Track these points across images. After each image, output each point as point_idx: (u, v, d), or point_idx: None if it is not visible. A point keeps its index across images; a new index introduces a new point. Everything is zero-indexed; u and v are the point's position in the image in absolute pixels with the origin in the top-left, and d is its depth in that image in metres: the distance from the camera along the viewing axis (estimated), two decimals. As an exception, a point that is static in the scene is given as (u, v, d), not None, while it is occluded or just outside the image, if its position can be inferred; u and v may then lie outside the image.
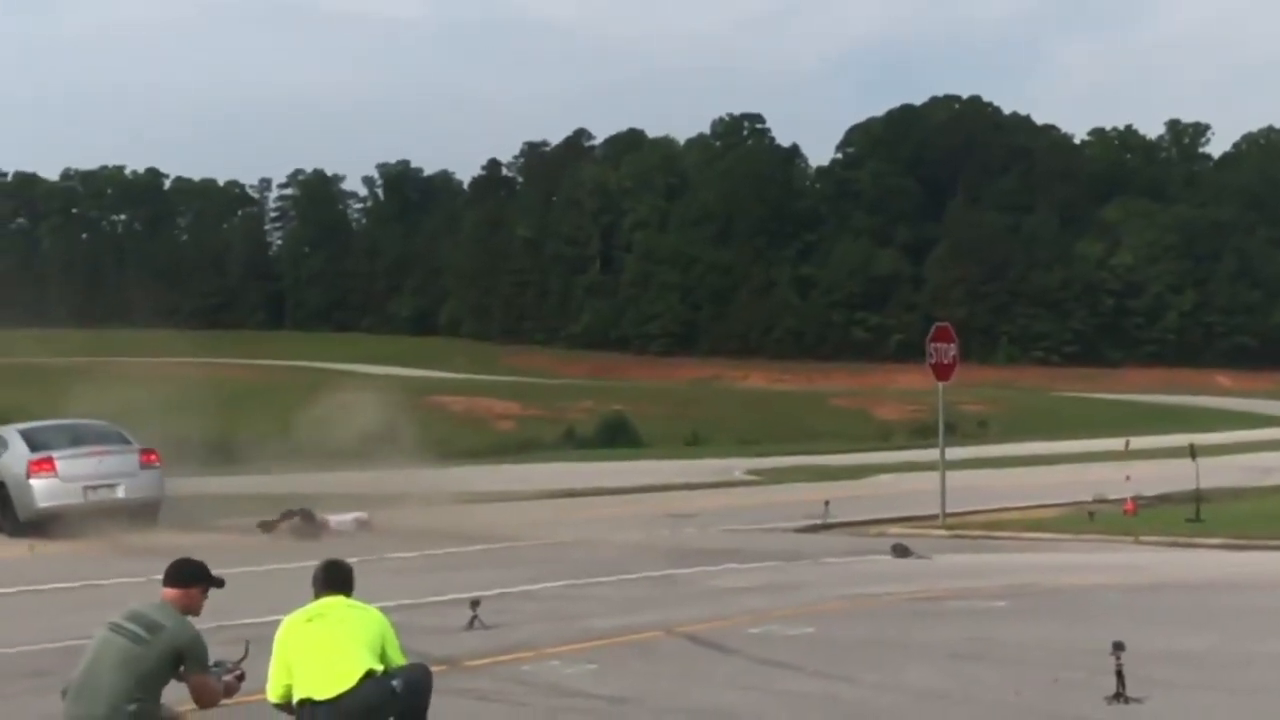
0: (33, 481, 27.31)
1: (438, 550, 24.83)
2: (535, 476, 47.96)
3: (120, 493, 27.76)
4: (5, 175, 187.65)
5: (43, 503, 27.25)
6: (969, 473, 42.04)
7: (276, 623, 9.33)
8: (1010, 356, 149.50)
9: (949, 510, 29.25)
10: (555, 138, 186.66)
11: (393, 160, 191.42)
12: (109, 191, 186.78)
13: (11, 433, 28.95)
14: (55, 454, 27.76)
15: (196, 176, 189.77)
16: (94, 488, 27.49)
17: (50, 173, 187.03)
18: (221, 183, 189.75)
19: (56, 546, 26.13)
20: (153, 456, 28.64)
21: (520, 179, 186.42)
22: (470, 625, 15.37)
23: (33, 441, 28.36)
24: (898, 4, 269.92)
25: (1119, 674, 11.01)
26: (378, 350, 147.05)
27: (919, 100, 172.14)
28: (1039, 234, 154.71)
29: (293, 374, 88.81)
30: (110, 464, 27.97)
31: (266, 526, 28.04)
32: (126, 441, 29.06)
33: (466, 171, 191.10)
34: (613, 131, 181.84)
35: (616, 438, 78.16)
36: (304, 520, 27.94)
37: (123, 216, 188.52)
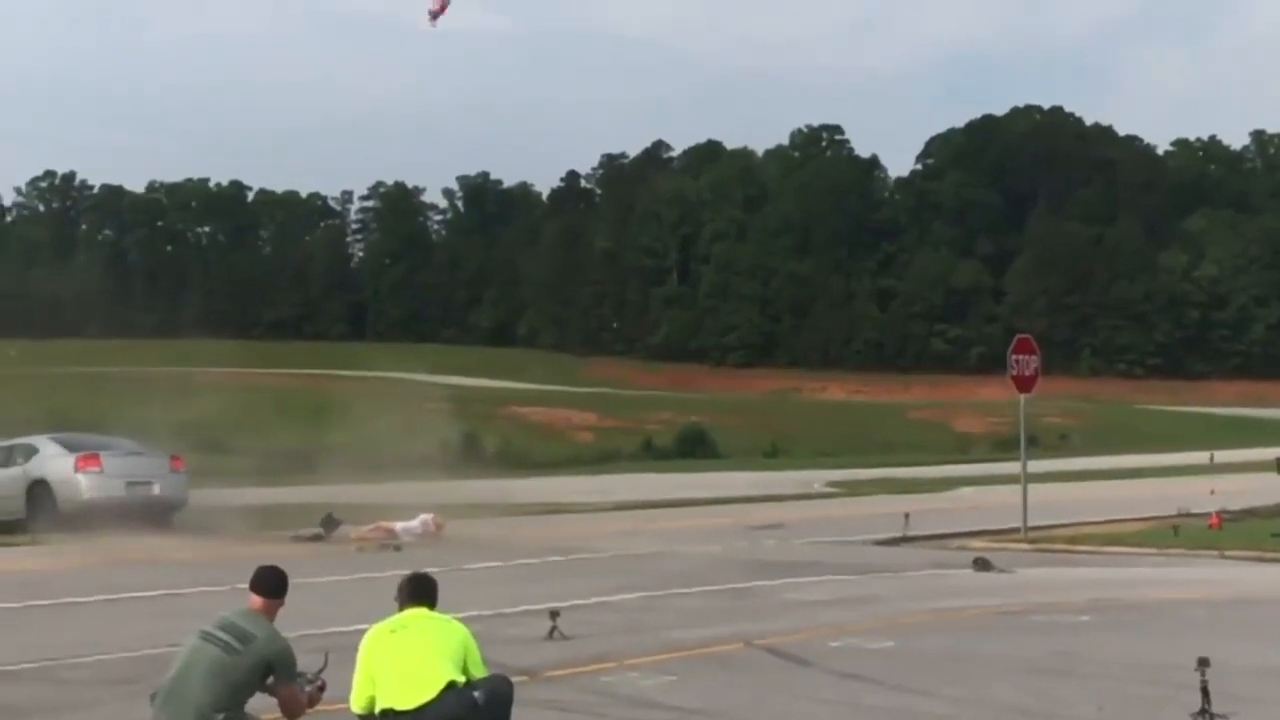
0: (80, 476, 29.55)
1: (517, 561, 24.89)
2: (614, 487, 48.03)
3: (156, 490, 30.29)
4: (92, 188, 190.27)
5: (89, 495, 29.45)
6: (1051, 486, 41.69)
7: (355, 632, 9.39)
8: (1093, 369, 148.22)
9: (1031, 524, 28.99)
10: (634, 149, 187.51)
11: (473, 172, 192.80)
12: (194, 204, 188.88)
13: (41, 440, 31.20)
14: (102, 453, 30.17)
15: (279, 189, 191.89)
16: (134, 484, 29.91)
17: (136, 185, 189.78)
18: (304, 195, 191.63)
19: (140, 555, 26.42)
20: (179, 462, 31.22)
21: (599, 191, 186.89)
22: (550, 636, 15.39)
23: (68, 445, 30.79)
24: (978, 14, 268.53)
25: (1204, 690, 10.87)
26: (457, 361, 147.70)
27: (1000, 111, 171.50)
28: (1122, 245, 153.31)
29: (373, 385, 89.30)
30: (146, 465, 30.53)
31: (320, 534, 28.75)
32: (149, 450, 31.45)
33: (545, 183, 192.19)
34: (691, 143, 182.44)
35: (695, 449, 78.22)
36: (324, 526, 28.69)
37: (207, 228, 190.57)
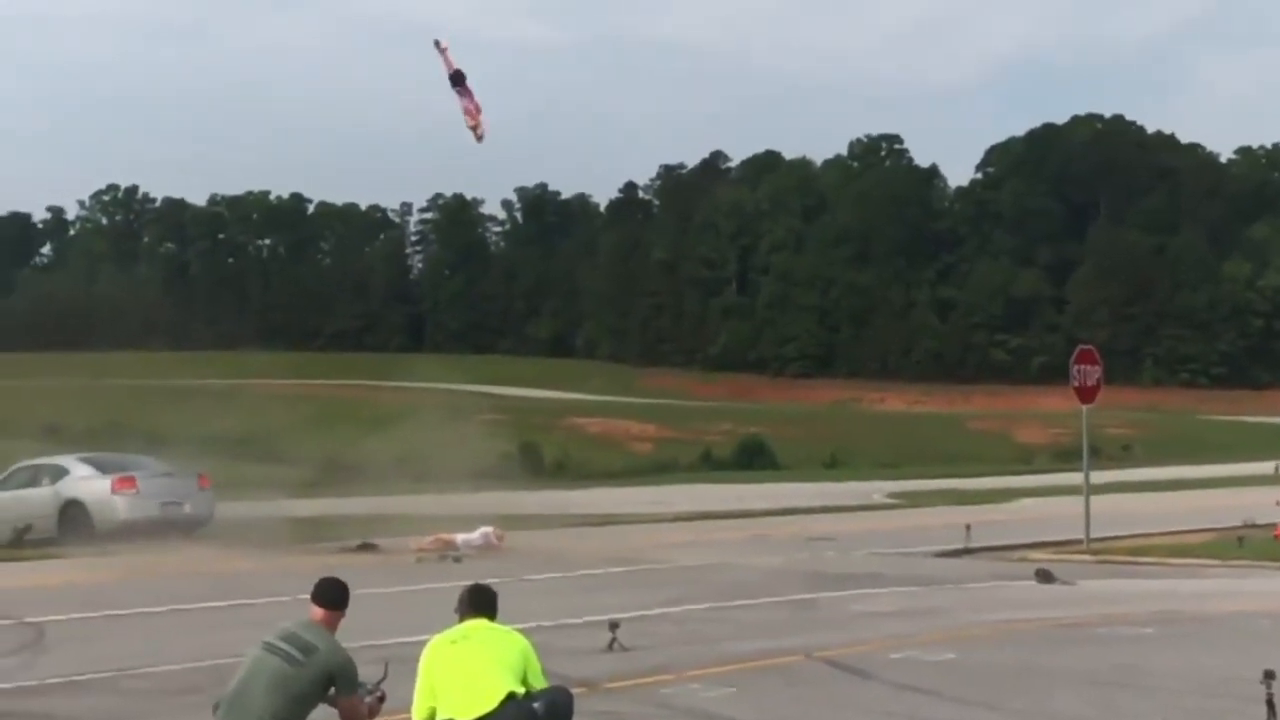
0: (117, 497, 30.37)
1: (576, 572, 24.91)
2: (672, 498, 48.00)
3: (187, 509, 31.15)
4: (154, 201, 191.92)
5: (125, 515, 30.29)
6: (1114, 497, 41.38)
7: (415, 643, 9.42)
8: (1155, 379, 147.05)
9: (1093, 535, 28.77)
10: (692, 160, 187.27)
11: (531, 184, 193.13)
12: (254, 216, 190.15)
13: (70, 460, 32.04)
14: (136, 474, 31.00)
15: (339, 201, 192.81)
16: (168, 504, 30.76)
17: (198, 198, 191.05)
18: (363, 207, 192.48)
19: (202, 567, 26.62)
20: (206, 480, 31.96)
21: (657, 201, 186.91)
22: (610, 647, 15.39)
23: (98, 465, 31.61)
24: (1038, 21, 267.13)
25: (1269, 703, 10.76)
26: (516, 372, 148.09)
27: (1060, 119, 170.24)
28: (1184, 254, 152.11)
29: (431, 396, 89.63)
30: (177, 485, 31.38)
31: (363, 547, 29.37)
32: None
33: (603, 194, 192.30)
34: (749, 153, 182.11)
35: (754, 460, 78.01)
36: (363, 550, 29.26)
37: (267, 241, 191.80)
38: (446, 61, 25.65)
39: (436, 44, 25.74)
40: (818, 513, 41.40)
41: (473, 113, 25.67)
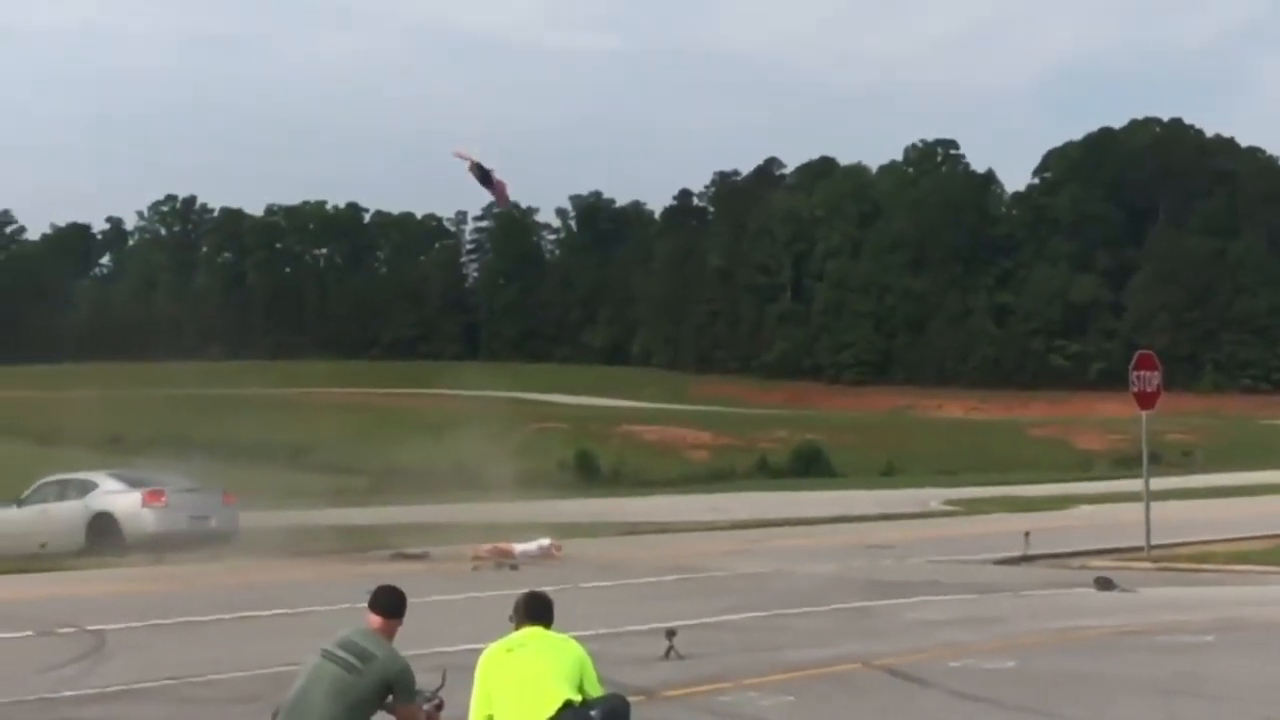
0: (147, 510, 31.14)
1: (632, 580, 24.91)
2: (729, 506, 47.96)
3: (213, 523, 31.78)
4: (212, 212, 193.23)
5: (155, 529, 31.01)
6: (1174, 504, 41.01)
7: (471, 651, 9.43)
8: (1216, 384, 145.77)
9: (1154, 542, 28.56)
10: (746, 167, 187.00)
11: (585, 192, 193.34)
12: (311, 226, 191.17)
13: (99, 475, 32.77)
14: (165, 489, 31.81)
15: (395, 210, 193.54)
16: (195, 518, 31.53)
17: (255, 209, 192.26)
18: (419, 216, 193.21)
19: (259, 575, 26.77)
20: (230, 497, 32.86)
21: (711, 209, 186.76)
22: (667, 655, 15.37)
23: (127, 480, 32.45)
24: (1095, 25, 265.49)
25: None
26: (571, 380, 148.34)
27: (1118, 123, 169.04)
28: (1245, 259, 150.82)
29: (488, 404, 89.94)
30: (203, 500, 32.16)
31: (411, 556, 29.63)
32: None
33: (658, 202, 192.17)
34: (804, 160, 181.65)
35: (810, 467, 77.83)
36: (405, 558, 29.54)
37: (324, 250, 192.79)
38: (472, 166, 26.45)
39: (457, 155, 26.61)
40: (875, 520, 41.27)
41: (504, 197, 26.53)
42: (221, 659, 16.13)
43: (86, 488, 31.96)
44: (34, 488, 32.75)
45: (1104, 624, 18.34)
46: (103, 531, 30.89)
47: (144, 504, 31.12)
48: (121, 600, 22.63)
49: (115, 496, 31.48)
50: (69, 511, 31.43)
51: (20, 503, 32.43)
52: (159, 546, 30.25)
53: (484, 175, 25.89)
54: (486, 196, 29.37)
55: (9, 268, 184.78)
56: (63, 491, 32.18)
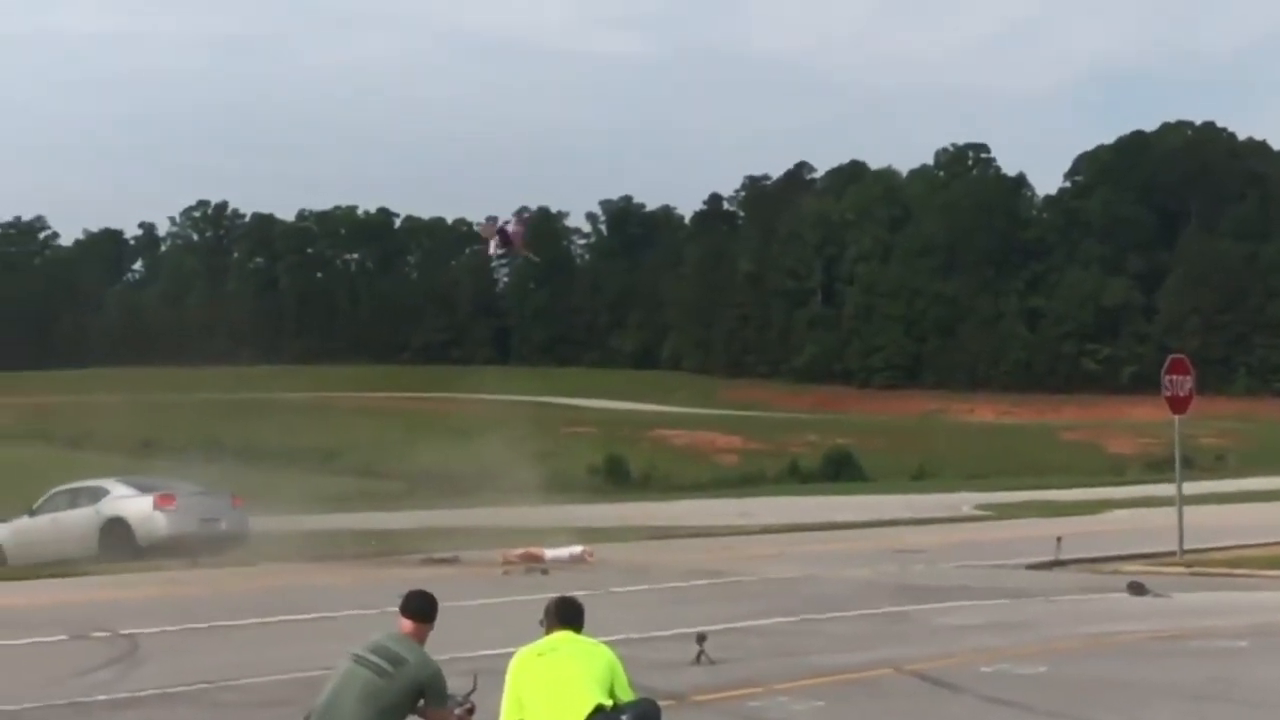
0: (159, 513, 31.48)
1: (663, 584, 24.91)
2: (759, 510, 47.90)
3: (223, 526, 32.10)
4: (244, 217, 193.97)
5: (167, 531, 31.35)
6: (1207, 508, 40.81)
7: (502, 655, 9.44)
8: (1249, 388, 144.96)
9: (1187, 547, 28.43)
10: (776, 171, 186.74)
11: (615, 196, 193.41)
12: (342, 231, 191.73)
13: (109, 482, 33.11)
14: (176, 492, 32.30)
15: (426, 215, 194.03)
16: (206, 520, 31.81)
17: (286, 214, 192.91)
18: (450, 221, 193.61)
19: (290, 580, 26.84)
20: (239, 500, 33.14)
21: (741, 213, 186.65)
22: (697, 660, 15.37)
23: (139, 486, 32.82)
24: (1126, 28, 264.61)
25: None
26: (601, 384, 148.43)
27: (1150, 126, 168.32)
28: (1277, 262, 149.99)
29: (518, 409, 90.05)
30: (213, 503, 32.52)
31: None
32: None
33: (688, 206, 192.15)
34: (834, 164, 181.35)
35: (841, 472, 77.69)
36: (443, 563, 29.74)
37: (355, 255, 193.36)
38: (493, 236, 27.61)
39: (483, 236, 27.95)
40: (906, 525, 41.17)
41: (520, 244, 28.29)
42: (253, 663, 16.19)
43: (98, 495, 32.30)
44: (46, 497, 33.08)
45: (1137, 629, 18.28)
46: (115, 536, 31.20)
47: (155, 507, 31.50)
48: (154, 604, 22.74)
49: (127, 501, 31.85)
50: (81, 519, 31.78)
51: (32, 513, 32.73)
52: (171, 549, 30.66)
53: (504, 238, 26.99)
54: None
55: (42, 273, 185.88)
56: (74, 500, 32.51)
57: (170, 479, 34.47)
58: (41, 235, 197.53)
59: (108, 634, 18.89)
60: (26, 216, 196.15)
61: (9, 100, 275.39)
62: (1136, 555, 29.15)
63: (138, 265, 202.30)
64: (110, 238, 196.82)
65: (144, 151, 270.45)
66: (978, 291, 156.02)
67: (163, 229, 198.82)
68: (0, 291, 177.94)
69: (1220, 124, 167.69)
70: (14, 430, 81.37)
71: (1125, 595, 22.35)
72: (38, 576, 27.81)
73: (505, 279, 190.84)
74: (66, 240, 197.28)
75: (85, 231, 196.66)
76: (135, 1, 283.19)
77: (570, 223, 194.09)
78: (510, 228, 27.63)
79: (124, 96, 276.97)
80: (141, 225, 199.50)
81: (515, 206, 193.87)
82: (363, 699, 8.76)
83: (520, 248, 28.90)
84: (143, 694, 14.49)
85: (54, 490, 33.25)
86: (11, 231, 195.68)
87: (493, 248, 29.05)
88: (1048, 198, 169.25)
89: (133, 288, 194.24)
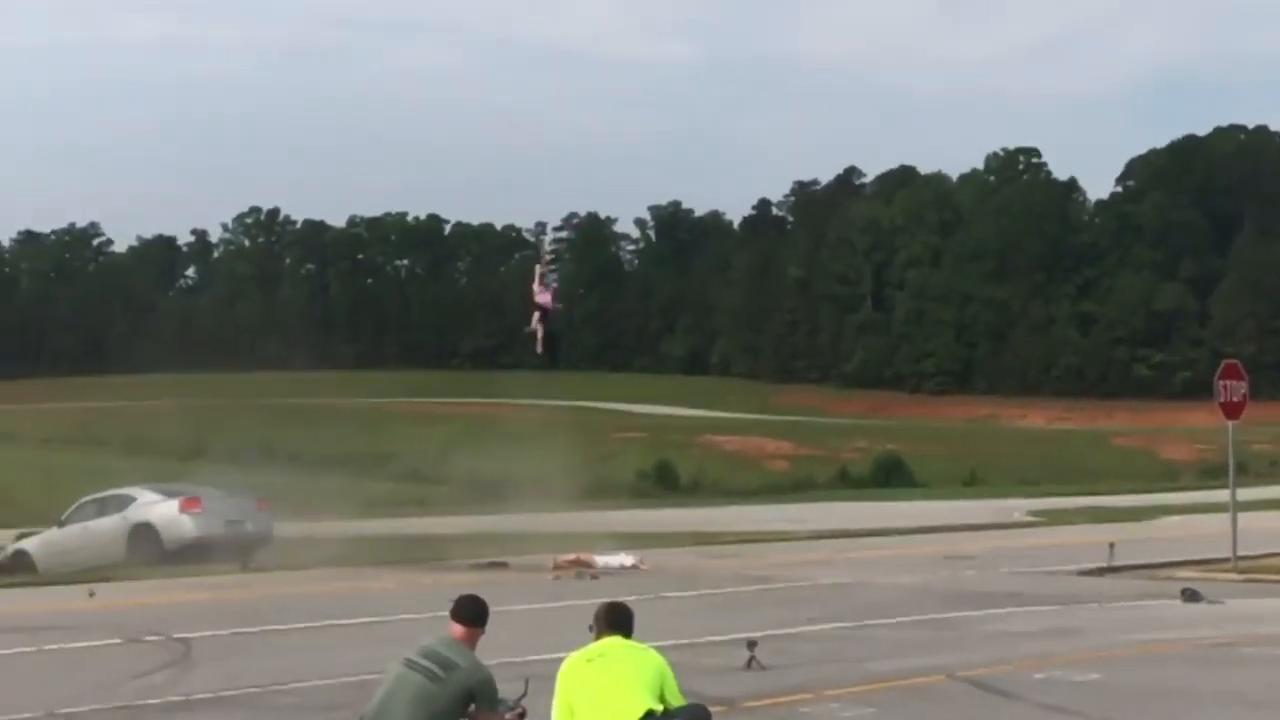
0: (185, 516, 31.78)
1: (713, 590, 24.88)
2: (809, 516, 47.77)
3: (249, 527, 32.38)
4: (295, 223, 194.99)
5: (194, 534, 31.61)
6: (1262, 514, 40.49)
7: (553, 661, 9.45)
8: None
9: (1241, 553, 28.18)
10: (826, 176, 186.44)
11: (664, 202, 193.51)
12: (392, 237, 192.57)
13: (136, 490, 33.41)
14: (202, 496, 32.58)
15: (475, 221, 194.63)
16: (231, 522, 32.05)
17: (337, 220, 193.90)
18: (499, 227, 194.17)
19: (342, 584, 26.95)
20: (263, 503, 33.48)
21: (791, 218, 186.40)
22: (748, 666, 15.35)
23: (165, 492, 33.10)
24: (1178, 32, 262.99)
25: None
26: (650, 390, 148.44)
27: (1203, 130, 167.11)
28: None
29: (567, 414, 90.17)
30: (238, 505, 32.80)
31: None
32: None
33: (737, 211, 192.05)
34: (884, 169, 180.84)
35: (891, 477, 77.42)
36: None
37: (405, 261, 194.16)
38: (544, 313, 30.76)
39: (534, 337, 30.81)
40: (957, 531, 40.99)
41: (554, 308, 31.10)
42: (305, 667, 16.26)
43: (125, 502, 32.65)
44: (74, 507, 33.40)
45: (1190, 636, 18.14)
46: (142, 541, 31.53)
47: (181, 510, 31.85)
48: (207, 608, 22.86)
49: (153, 507, 32.19)
50: (109, 526, 32.12)
51: (61, 523, 33.07)
52: (198, 552, 31.01)
53: (544, 314, 28.86)
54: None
55: (96, 279, 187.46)
56: (101, 508, 32.85)
57: (196, 484, 34.80)
58: (95, 242, 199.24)
59: (161, 638, 19.01)
60: (81, 223, 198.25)
61: (64, 108, 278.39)
62: (1190, 561, 28.94)
63: (190, 272, 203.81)
64: (163, 244, 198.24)
65: (197, 158, 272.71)
66: (1029, 296, 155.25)
67: (215, 235, 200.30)
68: (55, 298, 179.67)
69: (1274, 127, 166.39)
70: (69, 436, 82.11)
71: (1179, 602, 22.20)
72: (89, 580, 27.98)
73: (554, 285, 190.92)
74: (120, 247, 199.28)
75: (139, 238, 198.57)
76: (191, 11, 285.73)
77: (619, 228, 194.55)
78: (547, 302, 29.72)
79: (178, 104, 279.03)
80: (194, 232, 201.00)
81: (564, 213, 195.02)
82: (414, 703, 8.79)
83: (554, 306, 30.78)
84: (196, 698, 14.58)
85: (82, 500, 33.59)
86: (66, 238, 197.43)
87: (540, 332, 30.98)
88: (1100, 202, 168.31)
89: (185, 294, 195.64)
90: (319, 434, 69.13)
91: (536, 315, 30.61)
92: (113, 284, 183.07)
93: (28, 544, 33.27)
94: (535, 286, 31.10)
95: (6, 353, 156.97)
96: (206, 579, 28.34)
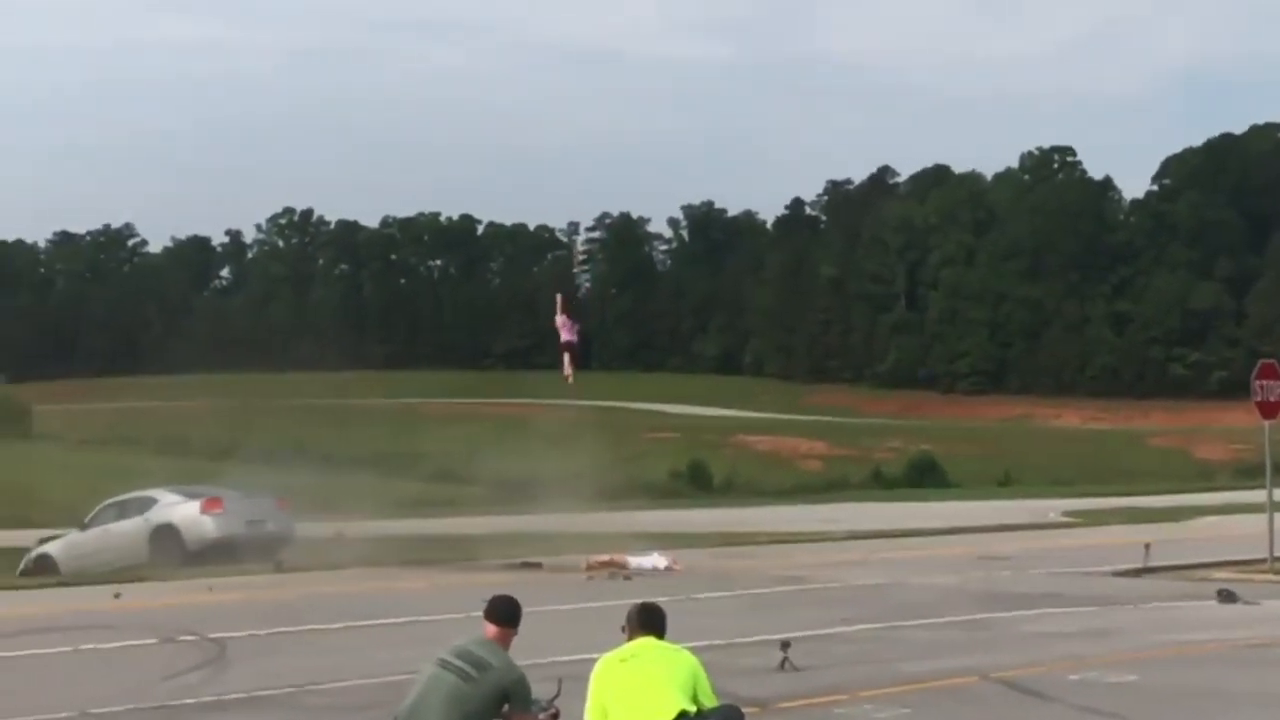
0: (206, 517, 32.14)
1: (746, 591, 24.85)
2: (843, 517, 47.68)
3: (270, 527, 32.66)
4: (329, 224, 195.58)
5: (215, 534, 31.99)
6: (1298, 515, 40.18)
7: (585, 661, 9.43)
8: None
9: (1277, 554, 28.01)
10: (859, 175, 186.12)
11: (697, 201, 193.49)
12: (425, 238, 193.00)
13: (158, 492, 33.68)
14: (223, 496, 32.95)
15: (508, 221, 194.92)
16: (253, 522, 32.41)
17: (370, 220, 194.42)
18: (531, 227, 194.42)
19: (376, 584, 26.99)
20: (284, 503, 33.66)
21: (824, 218, 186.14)
22: (781, 667, 15.31)
23: (186, 493, 33.44)
24: (1215, 29, 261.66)
25: None
26: (683, 390, 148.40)
27: (1238, 129, 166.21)
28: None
29: (600, 414, 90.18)
30: (259, 505, 33.09)
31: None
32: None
33: (770, 211, 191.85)
34: (917, 168, 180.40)
35: (925, 478, 77.23)
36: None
37: (438, 262, 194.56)
38: (571, 350, 31.32)
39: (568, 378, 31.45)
40: (992, 531, 40.86)
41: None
42: (339, 667, 16.30)
43: (146, 504, 32.92)
44: (96, 511, 33.63)
45: (1226, 637, 18.05)
46: (165, 542, 31.79)
47: (203, 511, 32.14)
48: (240, 608, 22.93)
49: (175, 508, 32.48)
50: (131, 528, 32.37)
51: (84, 527, 33.30)
52: (220, 552, 31.25)
53: (571, 349, 29.59)
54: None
55: (131, 280, 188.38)
56: (123, 511, 33.12)
57: (216, 485, 35.07)
58: (130, 243, 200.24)
59: (195, 638, 19.08)
60: (116, 224, 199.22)
61: (99, 109, 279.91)
62: (1226, 562, 28.79)
63: (225, 272, 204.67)
64: (198, 245, 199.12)
65: (231, 159, 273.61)
66: (1064, 296, 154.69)
67: (249, 236, 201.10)
68: (90, 298, 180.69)
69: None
70: (104, 436, 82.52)
71: (1215, 603, 22.09)
72: (124, 580, 28.10)
73: (587, 285, 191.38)
74: (155, 248, 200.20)
75: (173, 239, 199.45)
76: (223, 14, 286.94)
77: (652, 228, 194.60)
78: (573, 340, 30.67)
79: (212, 105, 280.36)
80: (228, 233, 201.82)
81: (597, 213, 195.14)
82: (448, 703, 8.79)
83: (577, 339, 32.22)
84: (230, 697, 14.62)
85: (104, 503, 33.81)
86: (101, 239, 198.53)
87: (570, 368, 31.93)
88: (1135, 201, 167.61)
89: (220, 295, 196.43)
90: (351, 434, 69.32)
91: (567, 357, 31.60)
92: (147, 285, 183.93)
93: (51, 548, 33.46)
94: (559, 322, 31.70)
95: (42, 353, 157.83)
96: (240, 579, 28.42)
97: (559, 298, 34.10)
